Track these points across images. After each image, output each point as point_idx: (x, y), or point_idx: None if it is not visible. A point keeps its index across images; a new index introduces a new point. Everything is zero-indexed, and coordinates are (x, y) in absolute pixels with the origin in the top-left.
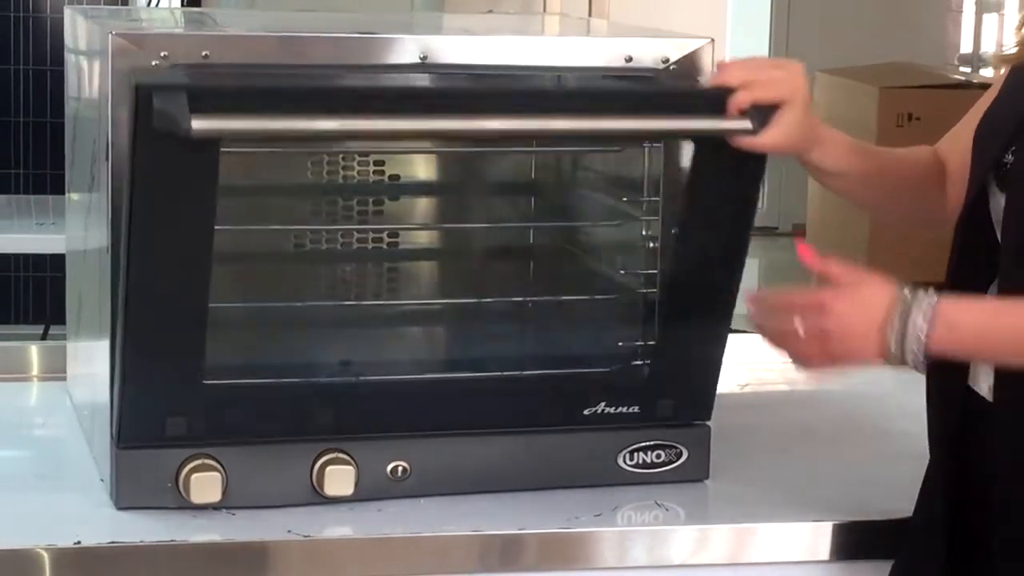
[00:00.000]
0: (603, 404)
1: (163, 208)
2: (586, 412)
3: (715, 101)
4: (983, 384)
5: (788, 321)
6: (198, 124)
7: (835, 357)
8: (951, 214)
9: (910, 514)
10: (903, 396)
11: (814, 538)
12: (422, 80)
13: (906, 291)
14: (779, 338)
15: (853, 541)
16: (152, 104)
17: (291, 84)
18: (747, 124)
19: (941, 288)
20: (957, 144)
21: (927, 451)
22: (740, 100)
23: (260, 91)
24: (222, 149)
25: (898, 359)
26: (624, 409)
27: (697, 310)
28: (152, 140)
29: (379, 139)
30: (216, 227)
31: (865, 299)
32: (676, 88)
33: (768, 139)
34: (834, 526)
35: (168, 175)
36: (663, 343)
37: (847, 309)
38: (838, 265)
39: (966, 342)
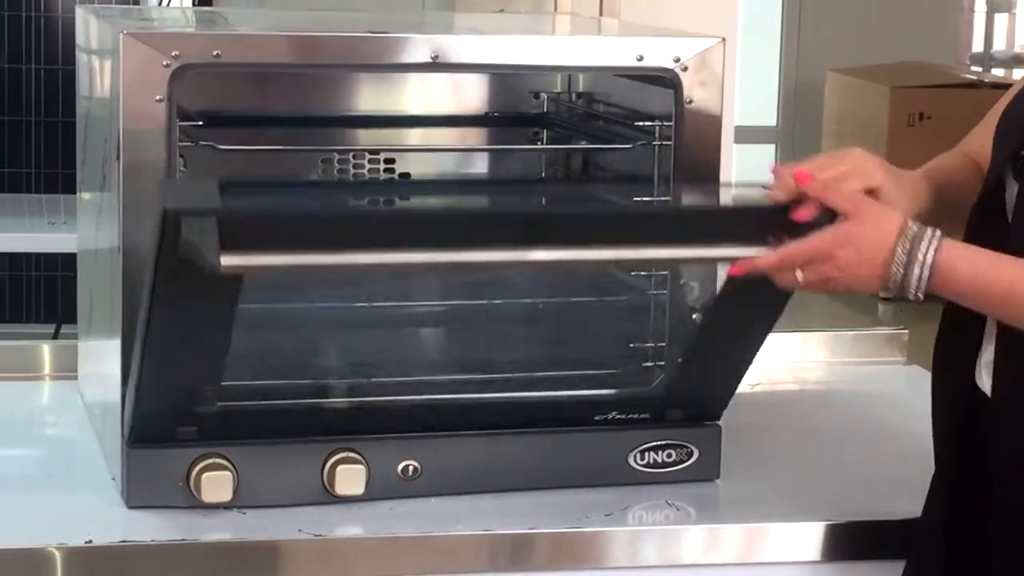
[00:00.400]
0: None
1: (181, 320)
2: (596, 417)
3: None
4: (985, 381)
5: (791, 275)
6: (227, 260)
7: (834, 291)
8: None
9: (919, 514)
10: (914, 396)
11: (824, 538)
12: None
13: (909, 232)
14: (782, 284)
15: (863, 541)
16: (180, 232)
17: (323, 212)
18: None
19: None
20: (989, 139)
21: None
22: (842, 196)
23: (291, 223)
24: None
25: (895, 293)
26: (635, 415)
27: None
28: (176, 264)
29: (408, 273)
30: None
31: (865, 245)
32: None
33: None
34: (844, 526)
35: (189, 296)
36: (688, 357)
37: (849, 256)
38: (838, 195)
39: (964, 283)
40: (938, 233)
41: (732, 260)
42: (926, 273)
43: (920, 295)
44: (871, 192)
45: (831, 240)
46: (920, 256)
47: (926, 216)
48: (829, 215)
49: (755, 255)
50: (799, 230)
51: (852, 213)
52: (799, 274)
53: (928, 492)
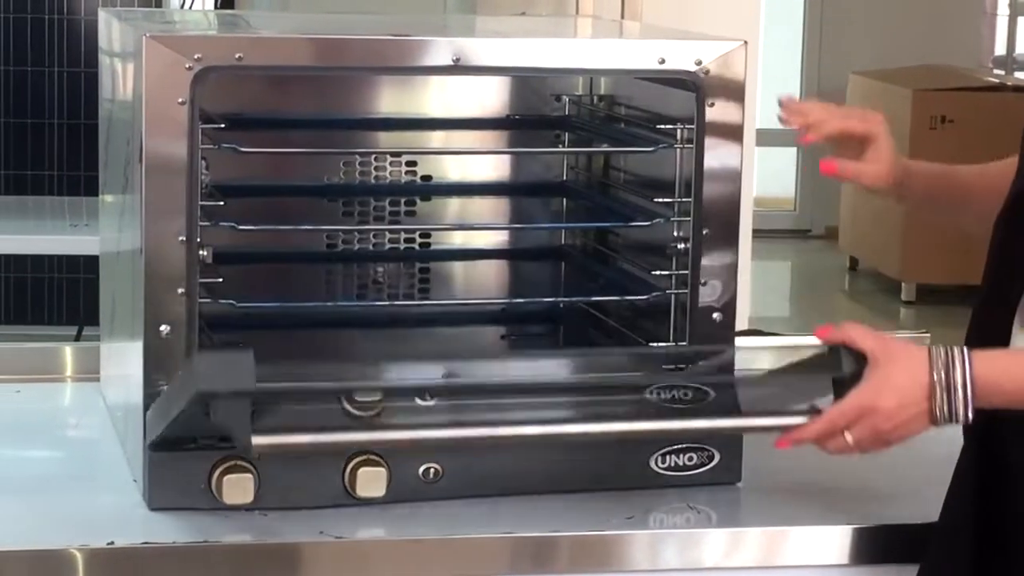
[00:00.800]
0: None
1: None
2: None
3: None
4: None
5: (841, 440)
6: (258, 441)
7: (891, 444)
8: None
9: (916, 519)
10: None
11: (845, 541)
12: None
13: (938, 361)
14: (834, 451)
15: (884, 545)
16: (211, 410)
17: (349, 385)
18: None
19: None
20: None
21: (954, 454)
22: (830, 129)
23: (324, 416)
24: (249, 150)
25: (948, 422)
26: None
27: None
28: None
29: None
30: (249, 227)
31: (904, 386)
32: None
33: (871, 172)
34: (865, 530)
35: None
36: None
37: (893, 404)
38: (861, 334)
39: (1009, 399)
40: (964, 351)
41: (776, 430)
42: (969, 394)
43: (970, 416)
44: (868, 140)
45: (870, 392)
46: (958, 379)
47: (927, 198)
48: (857, 360)
49: (799, 423)
50: (838, 389)
51: (878, 352)
52: (849, 437)
53: (947, 493)
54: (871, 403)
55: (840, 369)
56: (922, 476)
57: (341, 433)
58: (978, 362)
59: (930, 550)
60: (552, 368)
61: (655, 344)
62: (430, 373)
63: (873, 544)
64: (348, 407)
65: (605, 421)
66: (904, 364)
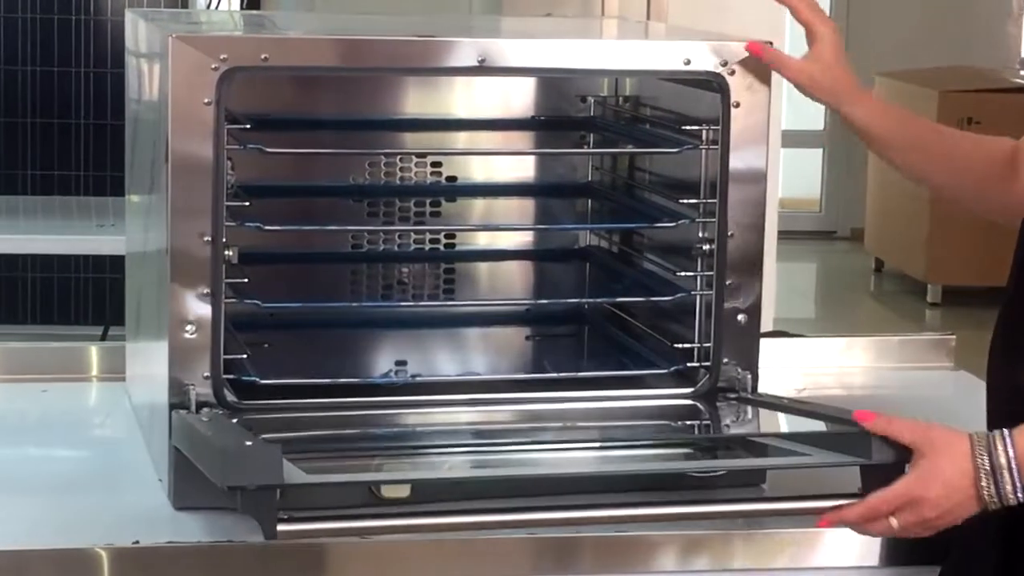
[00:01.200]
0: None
1: None
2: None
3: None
4: None
5: (885, 524)
6: (284, 528)
7: (936, 530)
8: (1018, 209)
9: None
10: (962, 402)
11: (874, 543)
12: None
13: (979, 447)
14: (877, 534)
15: (913, 546)
16: (238, 499)
17: (374, 477)
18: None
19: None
20: None
21: None
22: (903, 428)
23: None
24: (274, 150)
25: (1000, 504)
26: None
27: None
28: None
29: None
30: (274, 227)
31: (949, 475)
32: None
33: (794, 66)
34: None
35: None
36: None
37: (939, 493)
38: (900, 428)
39: None
40: (1004, 433)
41: (820, 512)
42: (1016, 474)
43: (1020, 496)
44: (812, 38)
45: (916, 483)
46: (1002, 461)
47: (884, 139)
48: (893, 450)
49: (842, 504)
50: (884, 476)
51: (920, 443)
52: (893, 522)
53: None
54: (918, 493)
55: (869, 455)
56: None
57: (369, 520)
58: (1020, 439)
59: (953, 551)
60: (588, 457)
61: (679, 345)
62: (460, 440)
63: (900, 545)
64: (376, 492)
65: (637, 507)
66: (947, 453)
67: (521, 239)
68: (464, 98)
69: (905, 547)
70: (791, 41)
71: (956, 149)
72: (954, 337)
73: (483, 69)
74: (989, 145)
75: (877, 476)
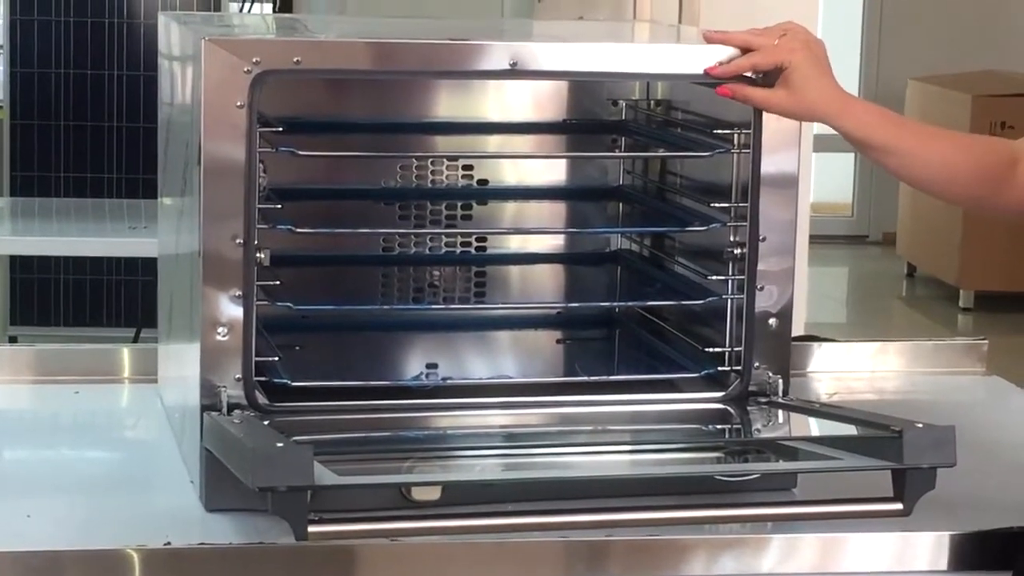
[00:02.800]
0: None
1: None
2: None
3: None
4: None
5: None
6: (314, 529)
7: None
8: (1016, 205)
9: (1000, 525)
10: (995, 407)
11: (903, 548)
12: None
13: None
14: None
15: (944, 551)
16: (268, 501)
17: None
18: (899, 506)
19: None
20: None
21: (1016, 460)
22: (739, 67)
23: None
24: (306, 153)
25: None
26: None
27: None
28: None
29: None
30: (306, 230)
31: None
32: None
33: (774, 98)
34: (923, 537)
35: None
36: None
37: None
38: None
39: None
40: None
41: (862, 516)
42: None
43: None
44: (783, 68)
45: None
46: None
47: (884, 148)
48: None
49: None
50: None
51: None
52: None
53: None
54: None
55: (900, 459)
56: (983, 483)
57: (400, 522)
58: None
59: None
60: (619, 461)
61: (710, 349)
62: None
63: (929, 551)
64: (407, 495)
65: (668, 510)
66: None
67: (552, 242)
68: (496, 101)
69: (933, 552)
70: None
71: (951, 152)
72: (986, 342)
73: (515, 72)
74: (986, 145)
75: (908, 479)
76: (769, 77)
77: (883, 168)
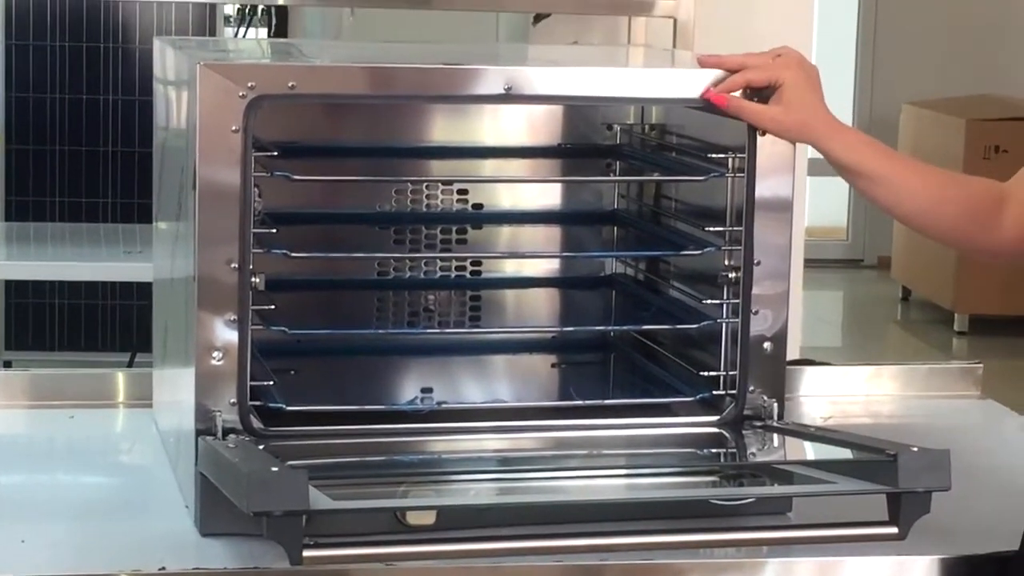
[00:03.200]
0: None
1: None
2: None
3: None
4: None
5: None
6: (309, 553)
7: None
8: (1004, 247)
9: (993, 549)
10: (990, 431)
11: (898, 572)
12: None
13: None
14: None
15: (938, 575)
16: (263, 525)
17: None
18: (894, 530)
19: None
20: None
21: (1011, 484)
22: (734, 83)
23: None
24: (301, 177)
25: None
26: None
27: None
28: None
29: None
30: (301, 255)
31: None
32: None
33: (767, 113)
34: (918, 561)
35: None
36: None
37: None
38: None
39: None
40: None
41: (857, 540)
42: None
43: None
44: (776, 86)
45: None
46: None
47: (867, 175)
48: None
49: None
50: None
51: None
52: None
53: None
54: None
55: (896, 483)
56: (978, 506)
57: (395, 547)
58: None
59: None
60: (614, 485)
61: (704, 373)
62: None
63: (923, 574)
64: (402, 519)
65: (663, 535)
66: None
67: (547, 266)
68: (490, 126)
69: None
70: (817, 62)
71: (939, 187)
72: (981, 366)
73: (509, 97)
74: (975, 186)
75: (903, 503)
76: (762, 96)
77: (870, 199)
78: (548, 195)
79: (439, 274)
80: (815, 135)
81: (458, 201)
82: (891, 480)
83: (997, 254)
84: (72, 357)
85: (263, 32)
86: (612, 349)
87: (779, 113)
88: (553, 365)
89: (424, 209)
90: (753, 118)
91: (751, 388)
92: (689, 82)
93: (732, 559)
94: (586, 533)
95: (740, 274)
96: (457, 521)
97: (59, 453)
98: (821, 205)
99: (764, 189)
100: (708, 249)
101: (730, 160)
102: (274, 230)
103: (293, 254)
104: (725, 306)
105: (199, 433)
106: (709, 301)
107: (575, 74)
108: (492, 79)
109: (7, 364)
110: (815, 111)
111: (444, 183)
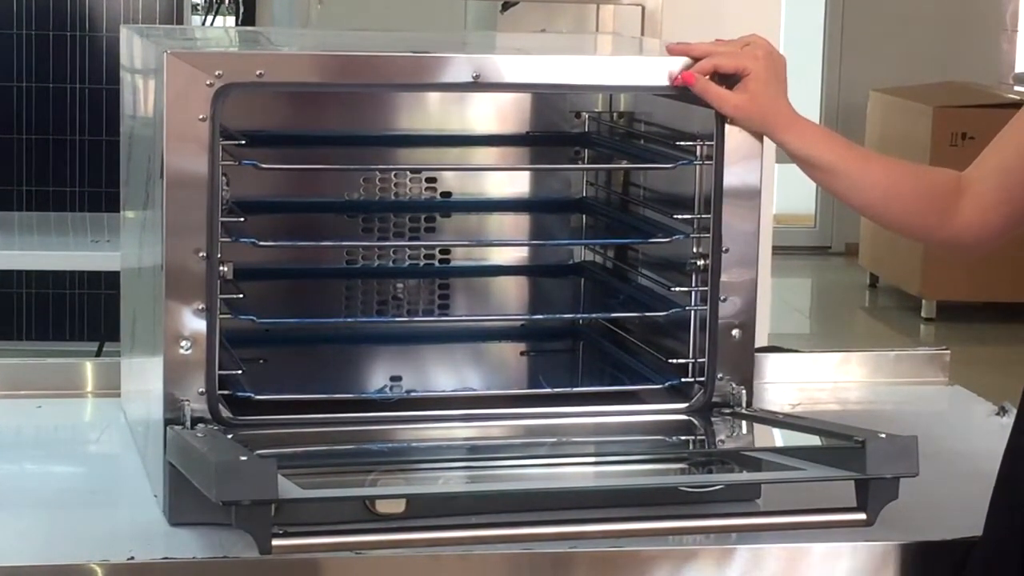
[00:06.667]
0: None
1: None
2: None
3: None
4: None
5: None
6: (279, 543)
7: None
8: (963, 237)
9: (961, 535)
10: (957, 417)
11: (867, 557)
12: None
13: None
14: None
15: (908, 561)
16: (231, 515)
17: (371, 492)
18: (862, 516)
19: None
20: (984, 169)
21: (977, 469)
22: (702, 67)
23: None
24: (269, 166)
25: None
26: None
27: None
28: None
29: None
30: (269, 243)
31: None
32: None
33: (730, 99)
34: (885, 546)
35: None
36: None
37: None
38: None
39: None
40: None
41: (826, 526)
42: None
43: None
44: (742, 74)
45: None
46: None
47: (824, 167)
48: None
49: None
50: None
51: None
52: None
53: (989, 508)
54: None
55: (864, 470)
56: (944, 492)
57: (364, 535)
58: None
59: (974, 566)
60: (583, 472)
61: (673, 361)
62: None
63: (890, 560)
64: (371, 508)
65: (632, 522)
66: None
67: (516, 254)
68: (459, 114)
69: (894, 562)
70: (785, 59)
71: (896, 178)
72: (948, 352)
73: (477, 85)
74: (933, 177)
75: (871, 489)
76: (728, 84)
77: (828, 191)
78: (516, 183)
79: (408, 262)
80: (773, 126)
81: (426, 189)
82: (859, 466)
83: (956, 245)
84: (40, 347)
85: (231, 20)
86: (581, 337)
87: (742, 101)
88: (522, 353)
89: (393, 197)
90: (717, 102)
91: (720, 375)
92: (657, 70)
93: (701, 546)
94: (555, 521)
95: (708, 261)
96: (426, 509)
97: (27, 443)
98: (789, 192)
99: (732, 177)
100: (676, 237)
101: (698, 148)
102: (242, 219)
103: (261, 243)
104: (693, 293)
105: (168, 422)
106: (677, 289)
107: (543, 62)
108: (460, 67)
109: None
110: (776, 102)
111: (412, 171)
